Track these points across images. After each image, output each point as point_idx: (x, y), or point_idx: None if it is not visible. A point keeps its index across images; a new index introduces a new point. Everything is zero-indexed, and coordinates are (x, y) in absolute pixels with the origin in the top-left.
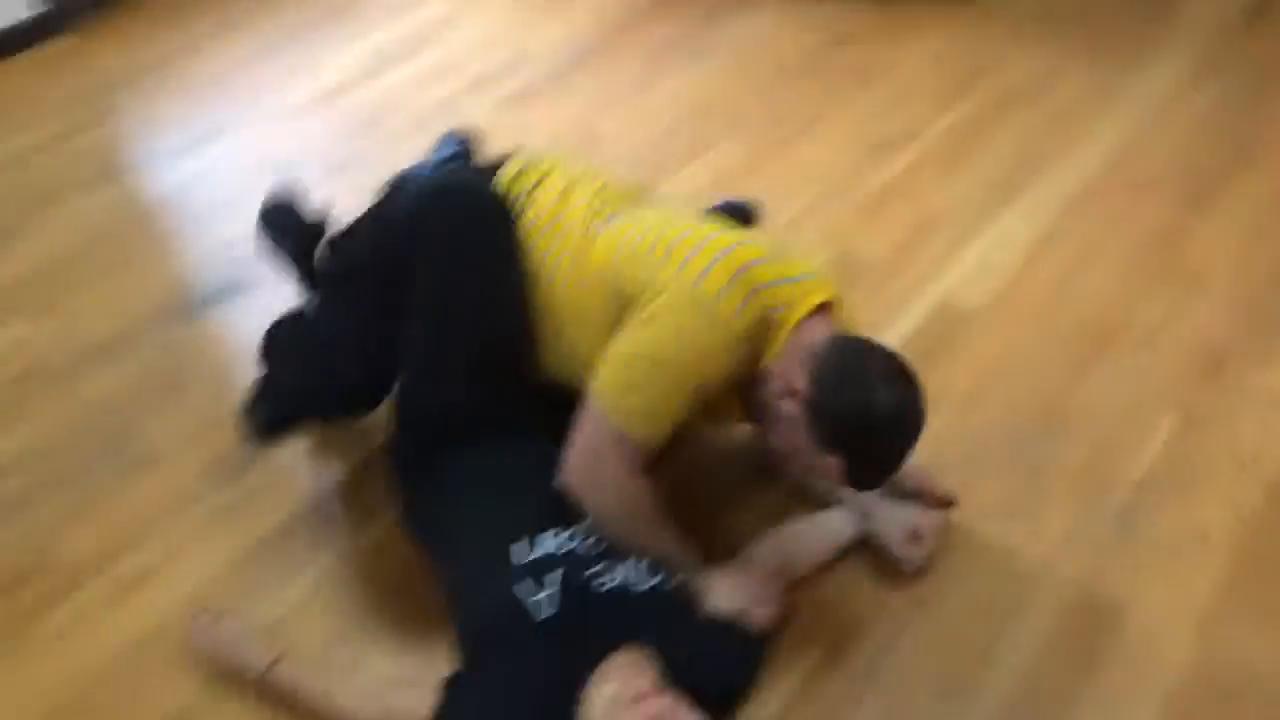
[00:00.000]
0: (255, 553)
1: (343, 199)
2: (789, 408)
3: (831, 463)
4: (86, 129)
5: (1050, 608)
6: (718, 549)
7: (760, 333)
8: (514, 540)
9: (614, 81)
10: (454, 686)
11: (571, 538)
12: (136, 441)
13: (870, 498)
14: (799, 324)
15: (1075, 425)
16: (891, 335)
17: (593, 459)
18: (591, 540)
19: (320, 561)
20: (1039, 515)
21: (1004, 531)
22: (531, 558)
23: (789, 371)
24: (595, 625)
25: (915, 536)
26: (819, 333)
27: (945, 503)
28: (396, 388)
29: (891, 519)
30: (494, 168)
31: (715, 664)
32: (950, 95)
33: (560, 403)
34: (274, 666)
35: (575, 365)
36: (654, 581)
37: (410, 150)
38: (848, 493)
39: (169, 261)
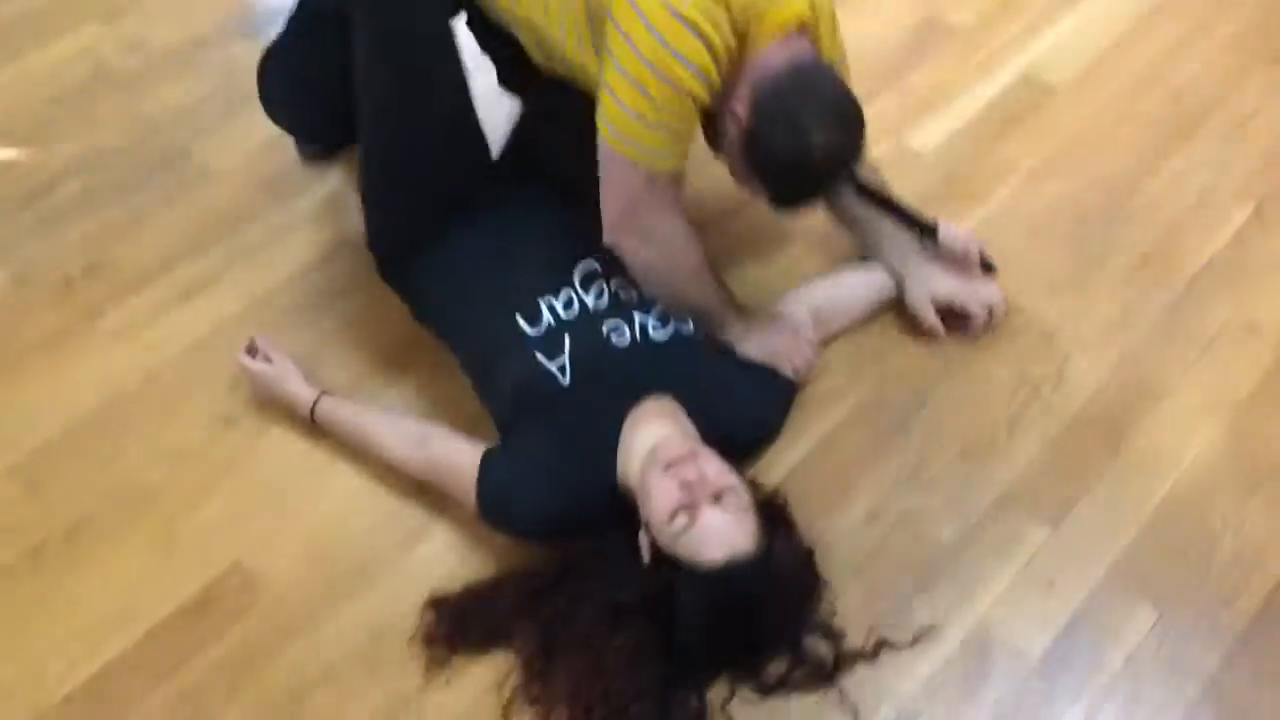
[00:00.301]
0: (302, 275)
1: None
2: (732, 130)
3: (757, 186)
4: None
5: (1085, 387)
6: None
7: (737, 47)
8: (519, 314)
9: None
10: (494, 457)
11: (575, 296)
12: (198, 155)
13: (911, 258)
14: (765, 45)
15: (1144, 210)
16: (970, 102)
17: (630, 208)
18: (598, 291)
19: (356, 294)
20: (1089, 295)
21: (1051, 308)
22: (541, 327)
23: (739, 93)
24: (618, 381)
25: (948, 304)
26: (779, 58)
27: (986, 267)
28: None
29: (927, 282)
30: None
31: (745, 406)
32: None
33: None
34: (319, 403)
35: (560, 70)
36: (673, 328)
37: None
38: (889, 251)
39: None
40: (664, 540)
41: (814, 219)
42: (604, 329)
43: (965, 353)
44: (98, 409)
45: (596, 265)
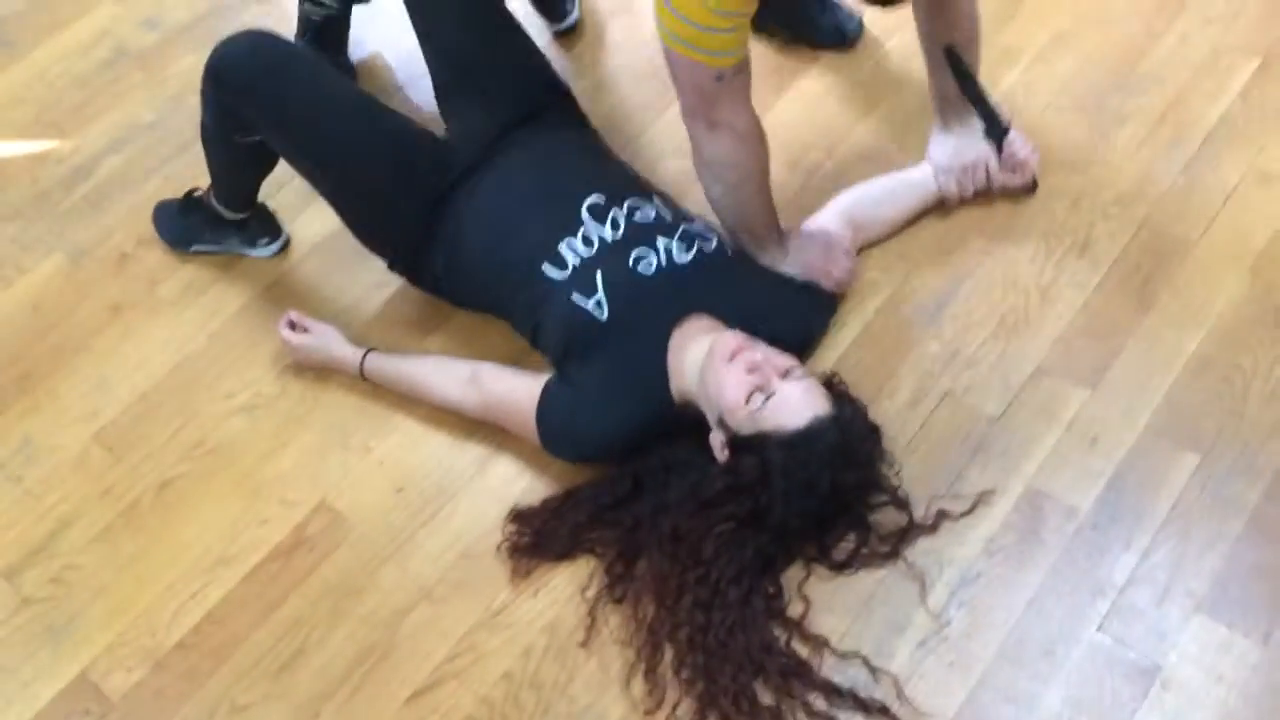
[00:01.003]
0: (343, 232)
1: None
2: None
3: None
4: None
5: (1111, 250)
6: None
7: None
8: (546, 263)
9: None
10: (551, 390)
11: (591, 232)
12: None
13: (956, 131)
14: None
15: (1153, 75)
16: None
17: (702, 101)
18: (612, 223)
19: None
20: (1109, 163)
21: (1073, 178)
22: (569, 270)
23: None
24: (655, 306)
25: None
26: None
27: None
28: None
29: (959, 151)
30: None
31: (781, 318)
32: None
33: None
34: (366, 360)
35: None
36: (696, 249)
37: None
38: (946, 123)
39: None
40: (742, 425)
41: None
42: (630, 259)
43: (993, 232)
44: (169, 371)
45: (599, 197)
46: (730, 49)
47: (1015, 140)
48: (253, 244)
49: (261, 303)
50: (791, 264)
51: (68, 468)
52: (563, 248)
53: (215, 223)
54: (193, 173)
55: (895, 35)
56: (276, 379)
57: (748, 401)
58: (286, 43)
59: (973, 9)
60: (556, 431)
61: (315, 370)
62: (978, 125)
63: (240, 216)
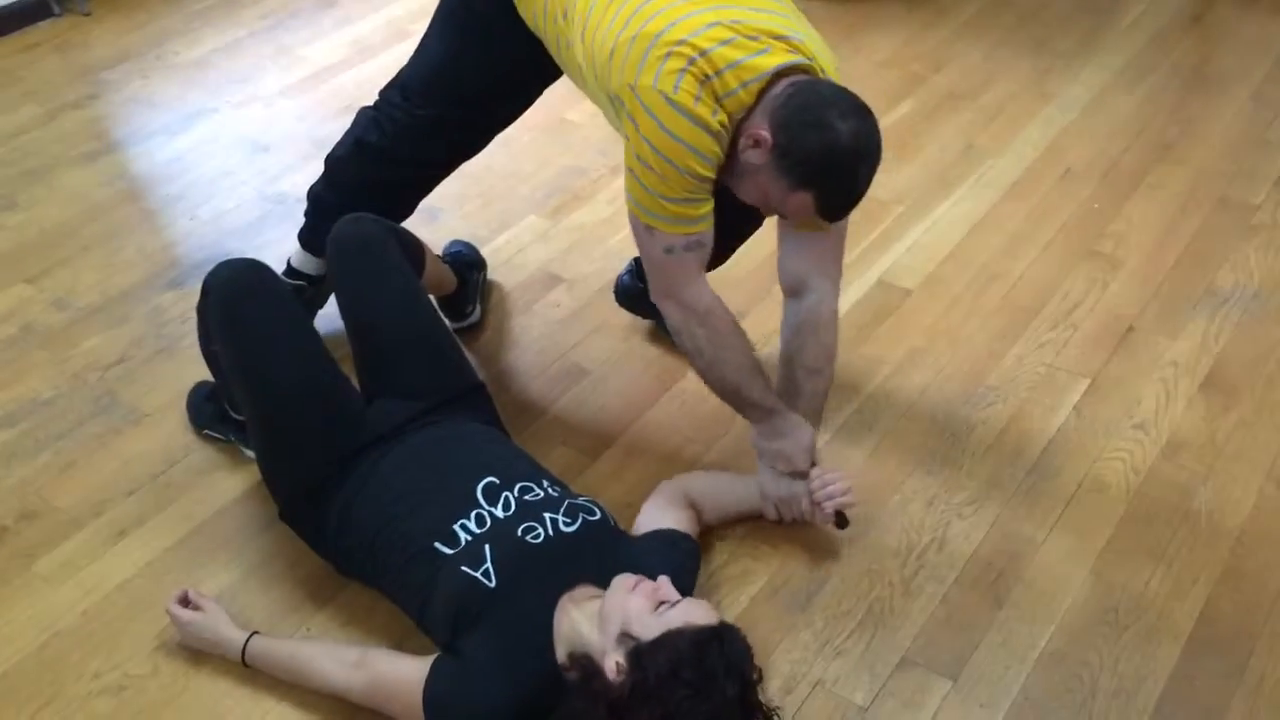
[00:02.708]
0: (227, 511)
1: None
2: (756, 158)
3: (803, 199)
4: (78, 107)
5: (965, 548)
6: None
7: (736, 118)
8: (438, 542)
9: None
10: (440, 665)
11: (484, 512)
12: (125, 400)
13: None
14: (761, 93)
15: (996, 391)
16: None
17: (660, 273)
18: (504, 504)
19: (280, 528)
20: (960, 466)
21: (928, 481)
22: (461, 545)
23: (753, 126)
24: (541, 572)
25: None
26: (781, 86)
27: (841, 522)
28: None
29: (772, 483)
30: None
31: (659, 561)
32: (899, 92)
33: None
34: (249, 644)
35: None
36: (580, 520)
37: None
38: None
39: (158, 234)
40: (649, 628)
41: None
42: (519, 531)
43: (860, 528)
44: (35, 650)
45: (494, 479)
46: (690, 216)
47: (828, 482)
48: (248, 445)
49: (141, 580)
50: (766, 450)
51: None
52: (457, 527)
53: (223, 417)
54: (85, 453)
55: (771, 341)
56: (148, 658)
57: (656, 609)
58: (274, 279)
59: (833, 343)
60: (444, 704)
61: (190, 652)
62: None
63: (240, 419)
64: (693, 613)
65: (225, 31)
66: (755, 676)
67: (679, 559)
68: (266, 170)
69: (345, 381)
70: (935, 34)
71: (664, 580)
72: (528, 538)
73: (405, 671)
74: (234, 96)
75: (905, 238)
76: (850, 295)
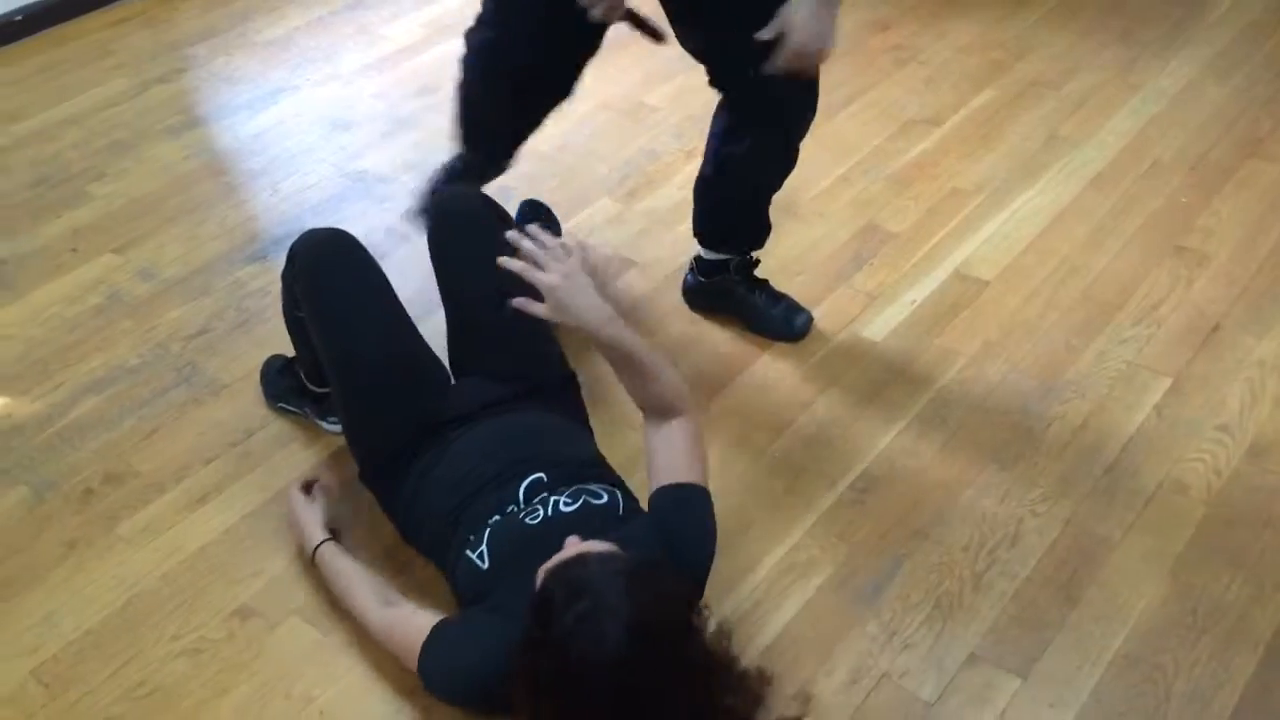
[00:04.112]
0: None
1: (402, 155)
2: None
3: None
4: (165, 81)
5: (1039, 546)
6: None
7: None
8: (471, 534)
9: (662, 56)
10: (441, 627)
11: (517, 505)
12: (206, 370)
13: None
14: None
15: (1074, 386)
16: (912, 297)
17: None
18: (540, 503)
19: (354, 498)
20: (1034, 463)
21: (1001, 476)
22: (477, 535)
23: None
24: (534, 550)
25: None
26: None
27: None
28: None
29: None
30: None
31: (671, 551)
32: (981, 79)
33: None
34: (320, 547)
35: None
36: (582, 501)
37: None
38: None
39: (239, 208)
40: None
41: None
42: (521, 514)
43: (929, 518)
44: (117, 610)
45: (543, 475)
46: None
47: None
48: (324, 417)
49: (218, 546)
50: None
51: (0, 702)
52: (491, 520)
53: (299, 390)
54: (167, 420)
55: (843, 330)
56: (223, 623)
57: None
58: (359, 249)
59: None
60: (431, 663)
61: (265, 619)
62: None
63: (319, 391)
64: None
65: (308, 9)
66: (671, 608)
67: (667, 536)
68: (346, 148)
69: (428, 354)
70: (1019, 22)
71: (573, 539)
72: (526, 519)
73: (417, 625)
74: (314, 74)
75: (984, 228)
76: (925, 286)
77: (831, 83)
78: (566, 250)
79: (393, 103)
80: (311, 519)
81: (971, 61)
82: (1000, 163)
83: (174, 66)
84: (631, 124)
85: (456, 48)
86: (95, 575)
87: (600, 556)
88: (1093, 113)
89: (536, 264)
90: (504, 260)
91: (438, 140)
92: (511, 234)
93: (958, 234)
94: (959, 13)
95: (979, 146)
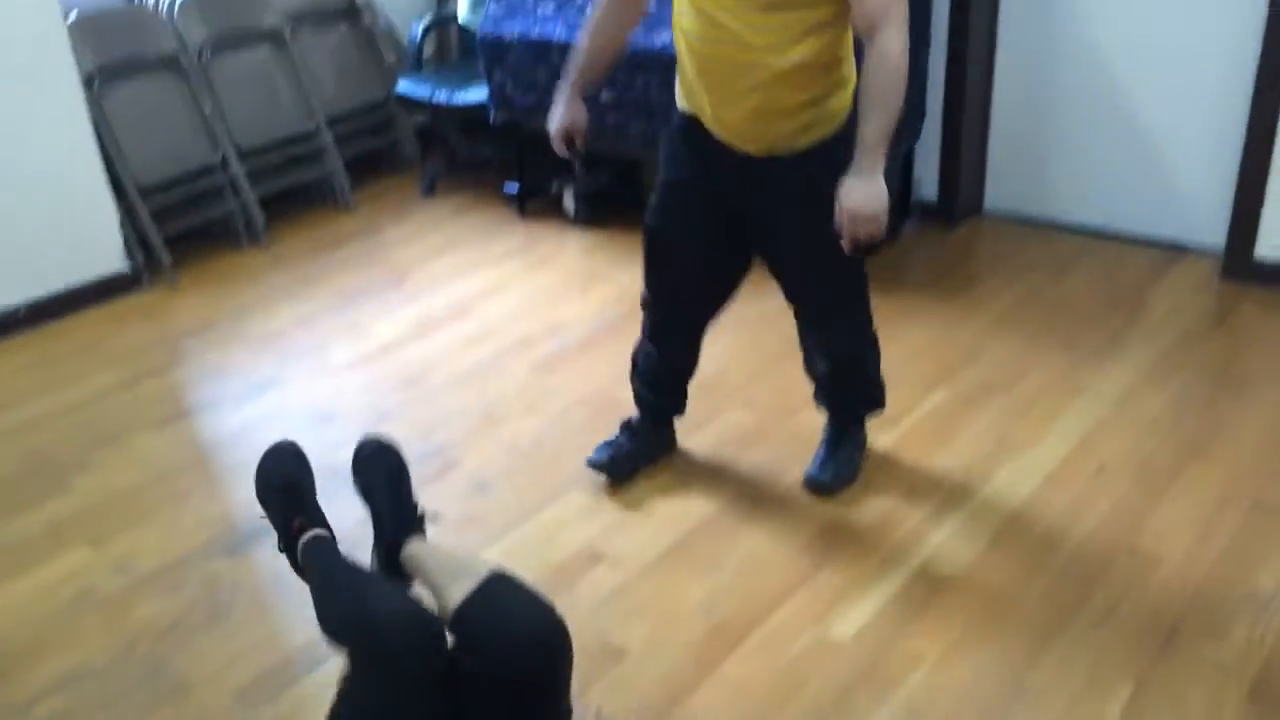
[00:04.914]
0: None
1: None
2: None
3: None
4: (157, 374)
5: None
6: None
7: None
8: None
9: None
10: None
11: None
12: (175, 667)
13: None
14: None
15: (1039, 692)
16: (875, 596)
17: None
18: None
19: None
20: None
21: None
22: None
23: None
24: None
25: None
26: None
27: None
28: None
29: None
30: None
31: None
32: (935, 380)
33: None
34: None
35: None
36: None
37: (448, 403)
38: None
39: (217, 500)
40: None
41: None
42: None
43: None
44: None
45: None
46: None
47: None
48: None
49: None
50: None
51: None
52: None
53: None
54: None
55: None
56: None
57: None
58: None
59: (887, 83)
60: None
61: None
62: None
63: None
64: None
65: (302, 304)
66: None
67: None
68: (327, 439)
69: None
70: (969, 327)
71: None
72: None
73: None
74: (303, 367)
75: (942, 526)
76: (890, 585)
77: (797, 379)
78: None
79: (377, 395)
80: None
81: (923, 364)
82: (956, 462)
83: (167, 359)
84: (604, 416)
85: (441, 343)
86: None
87: None
88: (1042, 415)
89: None
90: None
91: (416, 430)
92: None
93: (919, 530)
94: (907, 319)
95: (935, 446)
